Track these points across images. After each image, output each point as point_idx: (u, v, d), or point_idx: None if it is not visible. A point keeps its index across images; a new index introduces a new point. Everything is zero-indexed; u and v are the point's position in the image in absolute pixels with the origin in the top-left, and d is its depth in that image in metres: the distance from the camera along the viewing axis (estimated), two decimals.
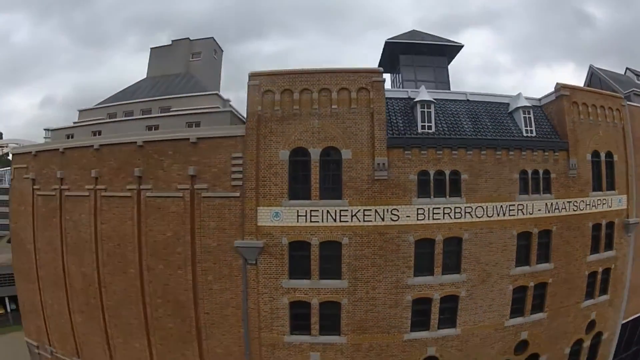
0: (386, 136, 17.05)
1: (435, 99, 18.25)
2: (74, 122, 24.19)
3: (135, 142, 19.10)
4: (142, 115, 22.27)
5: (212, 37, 25.12)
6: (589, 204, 18.39)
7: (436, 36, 22.83)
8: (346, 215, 16.96)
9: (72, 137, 23.25)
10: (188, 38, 24.89)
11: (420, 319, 17.36)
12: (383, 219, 16.99)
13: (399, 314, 17.17)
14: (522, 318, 18.03)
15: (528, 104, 18.53)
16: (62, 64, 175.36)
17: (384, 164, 16.89)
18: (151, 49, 25.13)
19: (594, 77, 24.95)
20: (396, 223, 17.03)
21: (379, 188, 17.02)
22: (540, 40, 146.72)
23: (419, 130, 17.85)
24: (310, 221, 16.98)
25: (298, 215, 17.03)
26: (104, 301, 20.15)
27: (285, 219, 17.08)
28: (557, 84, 18.68)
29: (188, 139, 18.13)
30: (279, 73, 17.79)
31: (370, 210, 16.97)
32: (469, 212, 17.40)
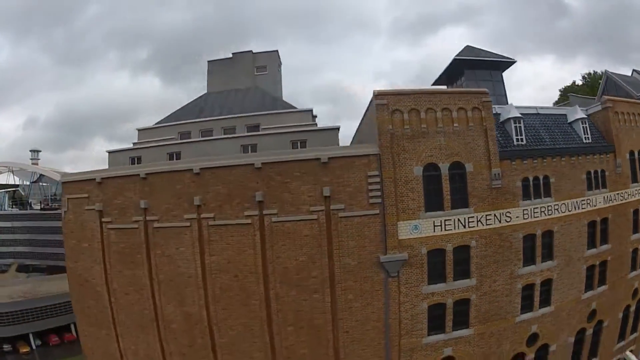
0: (497, 150, 19.33)
1: (521, 114, 21.11)
2: (134, 143, 21.25)
3: (252, 164, 18.13)
4: (225, 134, 20.80)
5: (276, 50, 24.10)
6: (630, 194, 23.39)
7: (488, 51, 25.84)
8: (473, 221, 18.89)
9: (138, 160, 20.49)
10: (251, 51, 23.40)
11: (526, 303, 20.24)
12: (500, 221, 19.36)
13: (513, 300, 19.80)
14: (592, 291, 22.21)
15: (585, 116, 22.60)
16: (43, 84, 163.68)
17: (498, 174, 19.20)
18: (209, 62, 22.89)
19: (610, 81, 29.91)
20: (509, 223, 19.56)
21: (495, 195, 19.31)
22: (519, 34, 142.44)
23: (515, 143, 20.55)
24: (445, 230, 18.49)
25: (434, 226, 18.38)
26: (216, 339, 18.75)
27: (423, 230, 18.27)
28: (603, 97, 23.22)
29: (318, 159, 17.93)
30: (404, 93, 18.75)
31: (491, 214, 19.19)
32: (556, 209, 20.78)
